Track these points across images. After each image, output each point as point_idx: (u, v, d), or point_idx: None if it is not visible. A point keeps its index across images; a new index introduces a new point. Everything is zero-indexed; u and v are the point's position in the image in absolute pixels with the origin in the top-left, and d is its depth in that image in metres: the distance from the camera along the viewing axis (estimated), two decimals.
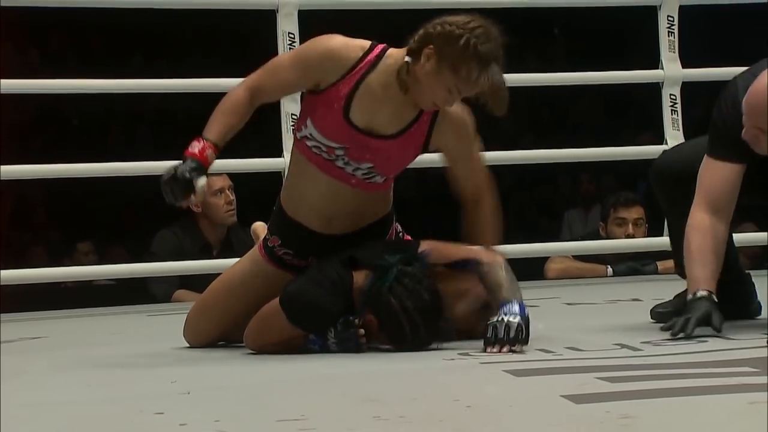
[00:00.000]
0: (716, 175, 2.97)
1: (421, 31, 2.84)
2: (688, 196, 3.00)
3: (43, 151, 5.86)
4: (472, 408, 2.13)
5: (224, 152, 4.39)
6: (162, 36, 8.13)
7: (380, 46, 2.91)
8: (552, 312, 3.79)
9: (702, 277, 2.91)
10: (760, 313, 3.24)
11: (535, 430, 1.93)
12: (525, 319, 2.75)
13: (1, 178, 4.84)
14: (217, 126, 2.86)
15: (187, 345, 3.12)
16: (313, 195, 2.93)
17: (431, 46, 2.80)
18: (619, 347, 2.77)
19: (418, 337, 2.78)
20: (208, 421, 2.08)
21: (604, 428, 1.88)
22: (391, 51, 2.90)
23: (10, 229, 7.50)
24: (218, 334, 3.07)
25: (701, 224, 2.96)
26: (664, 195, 3.22)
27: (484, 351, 2.74)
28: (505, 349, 2.71)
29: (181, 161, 2.83)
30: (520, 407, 2.13)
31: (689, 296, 2.92)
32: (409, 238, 3.08)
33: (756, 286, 3.28)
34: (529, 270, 5.03)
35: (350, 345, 2.81)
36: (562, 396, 2.13)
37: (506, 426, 1.97)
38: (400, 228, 3.09)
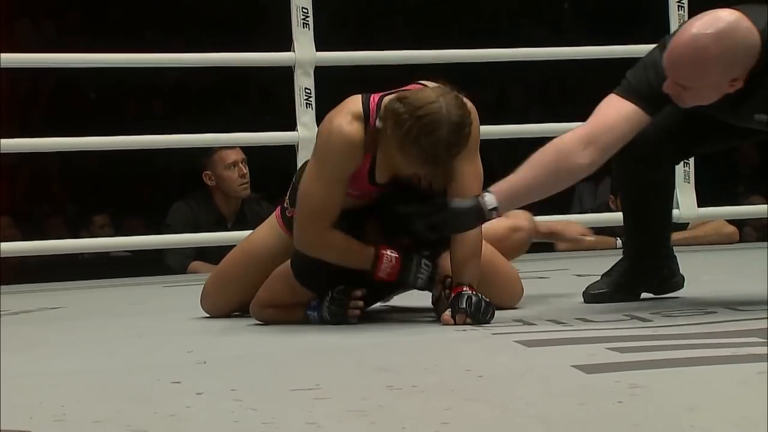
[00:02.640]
0: (615, 111, 2.76)
1: (386, 101, 2.74)
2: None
3: (60, 125, 5.85)
4: (483, 378, 2.14)
5: (237, 126, 4.38)
6: (178, 11, 8.12)
7: (373, 102, 2.78)
8: (562, 283, 3.79)
9: (504, 183, 2.75)
10: (682, 287, 3.15)
11: (546, 399, 1.93)
12: (487, 302, 2.76)
13: (19, 151, 4.85)
14: (359, 249, 2.79)
15: (205, 315, 3.13)
16: None
17: (387, 122, 2.70)
18: (628, 318, 2.77)
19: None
20: (225, 390, 2.08)
21: (614, 398, 1.88)
22: (388, 99, 2.77)
23: (29, 202, 7.52)
24: (237, 302, 3.07)
25: (561, 146, 2.77)
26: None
27: (439, 319, 2.77)
28: (468, 321, 2.72)
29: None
30: (531, 377, 2.13)
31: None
32: None
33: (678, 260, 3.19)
34: (539, 242, 5.03)
35: (341, 314, 2.81)
36: (572, 366, 2.13)
37: (518, 395, 1.97)
38: None
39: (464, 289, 2.76)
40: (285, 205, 3.07)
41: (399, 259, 2.79)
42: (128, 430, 1.81)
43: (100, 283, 4.42)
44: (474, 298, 2.74)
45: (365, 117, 2.76)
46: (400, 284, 2.86)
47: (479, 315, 2.73)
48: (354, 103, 2.79)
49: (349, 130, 2.74)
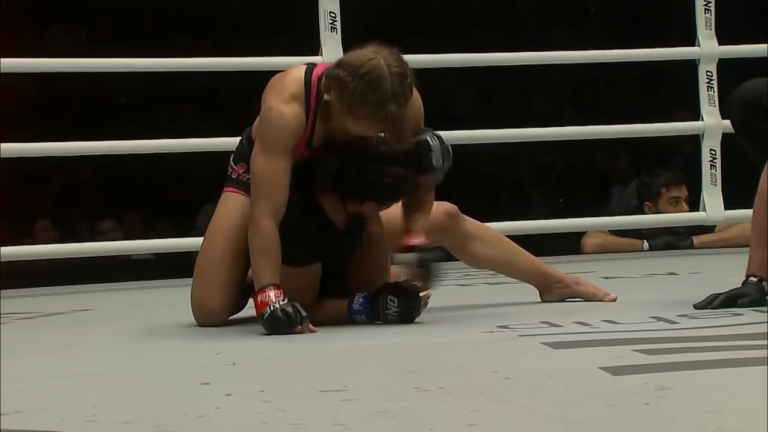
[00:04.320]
0: None
1: (326, 71, 2.80)
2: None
3: (91, 129, 5.89)
4: (511, 379, 2.13)
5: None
6: (207, 16, 8.14)
7: (316, 73, 2.85)
8: None
9: (756, 260, 2.82)
10: None
11: (573, 401, 1.92)
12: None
13: (51, 155, 4.88)
14: (270, 268, 2.79)
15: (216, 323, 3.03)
16: None
17: (332, 90, 2.77)
18: (655, 320, 2.76)
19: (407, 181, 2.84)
20: (253, 391, 2.09)
21: (641, 400, 1.87)
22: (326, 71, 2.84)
23: (60, 206, 7.55)
24: (237, 288, 3.01)
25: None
26: (744, 132, 2.97)
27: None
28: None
29: (269, 310, 2.77)
30: (558, 379, 2.12)
31: (743, 278, 2.89)
32: None
33: None
34: (566, 244, 5.03)
35: (409, 315, 2.85)
36: (599, 368, 2.12)
37: (545, 397, 1.96)
38: None
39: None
40: (228, 171, 3.06)
41: (266, 304, 2.77)
42: (158, 431, 1.81)
43: (130, 285, 4.44)
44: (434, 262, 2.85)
45: (306, 93, 2.83)
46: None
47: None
48: (294, 82, 2.85)
49: (289, 112, 2.82)
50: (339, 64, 2.80)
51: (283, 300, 2.77)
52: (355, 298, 2.89)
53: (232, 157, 3.09)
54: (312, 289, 2.91)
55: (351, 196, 2.87)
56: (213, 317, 3.01)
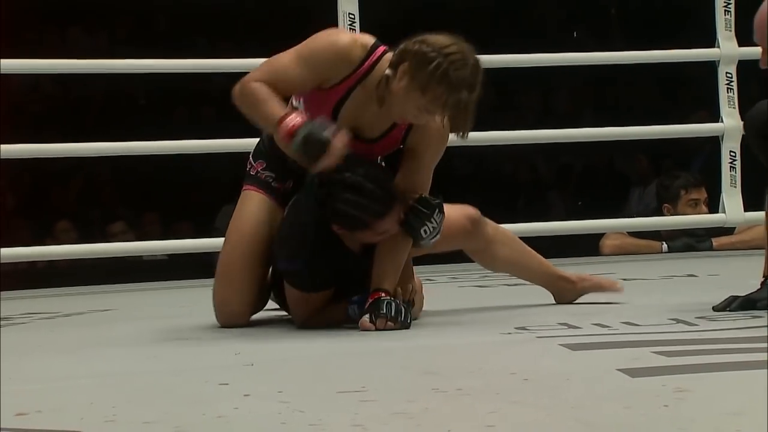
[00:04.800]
0: None
1: (401, 46, 2.79)
2: None
3: (111, 130, 5.91)
4: (529, 381, 2.13)
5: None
6: (226, 17, 8.16)
7: (381, 49, 2.85)
8: None
9: None
10: None
11: (591, 403, 1.92)
12: (406, 306, 2.80)
13: (72, 156, 4.90)
14: (275, 106, 2.77)
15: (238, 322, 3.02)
16: None
17: (406, 64, 2.75)
18: (674, 322, 2.75)
19: (373, 206, 2.77)
20: (272, 392, 2.09)
21: (659, 401, 1.86)
22: (387, 56, 2.83)
23: (81, 207, 7.58)
24: (259, 288, 2.99)
25: None
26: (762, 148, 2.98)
27: (360, 326, 2.78)
28: (389, 325, 2.76)
29: (295, 128, 2.72)
30: (576, 380, 2.12)
31: (762, 278, 2.88)
32: None
33: None
34: (585, 246, 5.02)
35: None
36: (618, 369, 2.12)
37: (563, 399, 1.96)
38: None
39: (382, 295, 2.79)
40: (248, 168, 3.04)
41: (300, 124, 2.73)
42: (177, 431, 1.82)
43: (149, 286, 4.45)
44: (393, 304, 2.77)
45: (364, 57, 2.81)
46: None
47: (400, 318, 2.77)
48: (364, 39, 2.84)
49: (345, 47, 2.80)
50: (419, 41, 2.75)
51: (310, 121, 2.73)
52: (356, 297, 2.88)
53: (251, 153, 3.07)
54: (317, 307, 2.91)
55: (336, 222, 2.80)
56: (236, 318, 3.00)
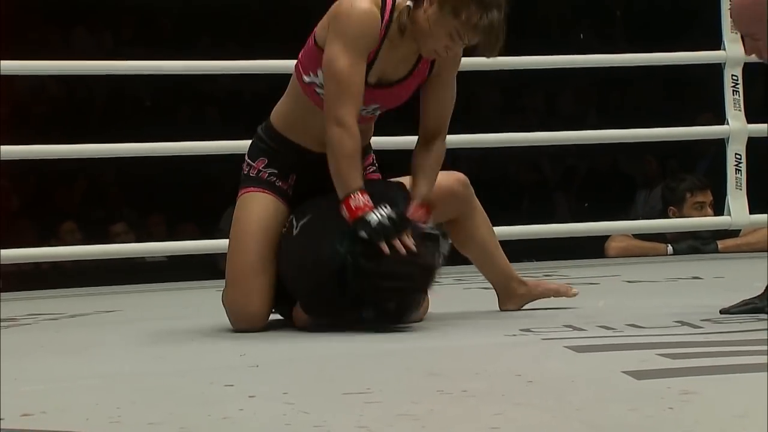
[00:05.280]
0: None
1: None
2: None
3: (115, 131, 5.91)
4: (534, 383, 2.13)
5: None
6: (230, 19, 8.17)
7: (390, 1, 2.85)
8: (613, 289, 3.77)
9: None
10: None
11: (596, 405, 1.92)
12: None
13: (77, 157, 4.90)
14: (358, 172, 2.78)
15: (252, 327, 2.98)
16: (311, 123, 2.91)
17: None
18: (679, 324, 2.75)
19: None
20: (277, 393, 2.09)
21: (665, 404, 1.86)
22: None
23: (86, 208, 7.59)
24: (273, 291, 2.95)
25: None
26: None
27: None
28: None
29: (362, 221, 2.73)
30: (581, 382, 2.12)
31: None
32: (378, 175, 3.06)
33: None
34: (590, 248, 5.02)
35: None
36: (623, 372, 2.12)
37: (568, 401, 1.96)
38: (374, 158, 3.08)
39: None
40: (246, 168, 3.01)
41: (362, 209, 2.73)
42: None
43: (154, 287, 4.45)
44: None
45: (382, 5, 2.81)
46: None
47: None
48: None
49: (369, 9, 2.79)
50: None
51: (379, 206, 2.73)
52: None
53: (246, 155, 3.02)
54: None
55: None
56: (254, 323, 2.93)
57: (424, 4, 2.79)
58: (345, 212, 2.75)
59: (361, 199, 2.74)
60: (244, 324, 2.94)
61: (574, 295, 3.12)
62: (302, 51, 2.96)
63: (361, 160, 2.86)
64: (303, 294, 2.89)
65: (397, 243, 2.72)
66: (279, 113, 3.00)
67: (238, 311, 2.95)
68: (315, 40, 2.89)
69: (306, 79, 2.91)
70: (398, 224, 2.72)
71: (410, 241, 2.72)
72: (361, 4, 2.81)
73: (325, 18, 2.88)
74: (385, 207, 2.73)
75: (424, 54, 2.84)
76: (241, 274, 2.93)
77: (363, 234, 2.72)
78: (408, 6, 2.81)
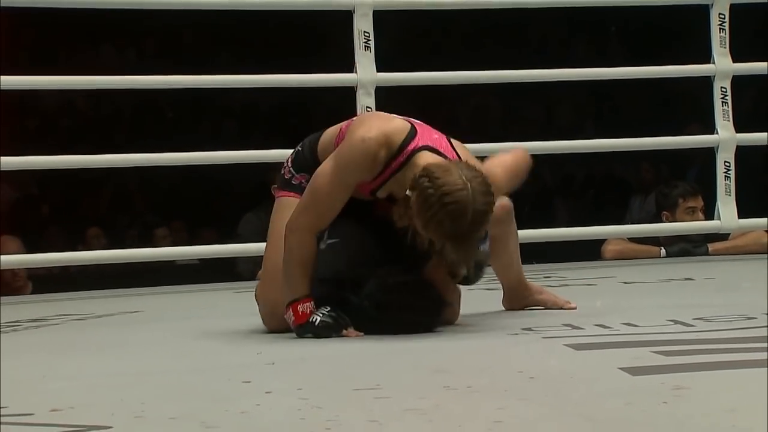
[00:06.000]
0: None
1: (414, 173, 2.66)
2: None
3: (140, 142, 5.93)
4: (535, 379, 2.12)
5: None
6: (248, 35, 8.18)
7: (413, 143, 2.75)
8: (609, 290, 3.76)
9: None
10: None
11: (594, 400, 1.91)
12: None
13: (103, 166, 4.91)
14: (307, 280, 2.77)
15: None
16: None
17: (414, 196, 2.64)
18: (672, 323, 2.74)
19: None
20: (292, 389, 2.09)
21: (659, 399, 1.86)
22: (420, 156, 2.73)
23: (110, 214, 7.60)
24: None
25: None
26: None
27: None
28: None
29: (318, 317, 2.75)
30: (580, 378, 2.11)
31: None
32: None
33: None
34: (587, 251, 5.01)
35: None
36: (619, 368, 2.11)
37: (567, 396, 1.95)
38: None
39: None
40: (289, 177, 2.97)
41: (307, 315, 2.75)
42: (202, 427, 1.82)
43: (175, 289, 4.45)
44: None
45: (396, 153, 2.74)
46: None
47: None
48: (395, 134, 2.75)
49: (377, 153, 2.72)
50: (428, 174, 2.62)
51: (321, 308, 2.76)
52: None
53: (290, 162, 2.99)
54: None
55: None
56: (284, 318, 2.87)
57: (411, 197, 2.65)
58: (291, 316, 2.77)
59: (307, 306, 2.76)
60: (275, 318, 2.89)
61: (572, 309, 3.11)
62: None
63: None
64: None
65: (344, 334, 2.74)
66: (324, 144, 2.95)
67: (270, 305, 2.91)
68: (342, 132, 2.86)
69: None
70: (340, 321, 2.75)
71: (354, 332, 2.74)
72: (375, 145, 2.73)
73: (349, 126, 2.84)
74: (326, 308, 2.75)
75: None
76: (274, 269, 2.88)
77: (309, 336, 2.75)
78: (406, 195, 2.66)
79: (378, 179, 2.78)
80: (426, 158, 2.73)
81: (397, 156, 2.75)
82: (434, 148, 2.77)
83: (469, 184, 2.60)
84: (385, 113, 2.91)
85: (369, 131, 2.76)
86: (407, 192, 2.67)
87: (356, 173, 2.76)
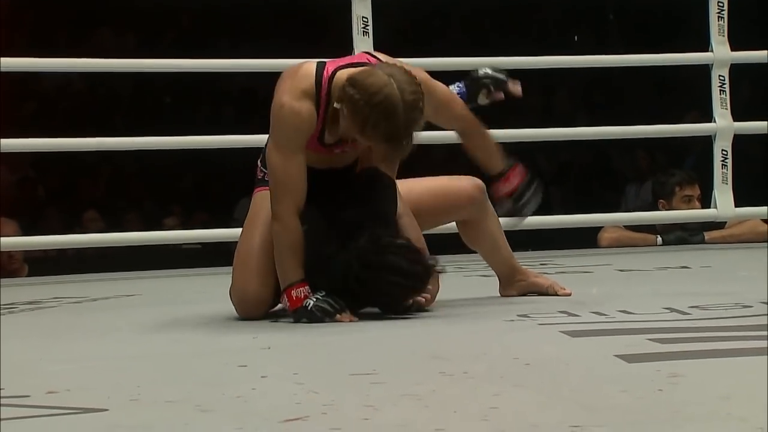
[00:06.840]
0: None
1: (340, 85, 2.69)
2: None
3: (138, 126, 5.91)
4: (531, 365, 2.12)
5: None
6: (246, 20, 8.16)
7: (327, 70, 2.77)
8: (605, 278, 3.77)
9: None
10: None
11: (590, 386, 1.91)
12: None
13: (101, 149, 4.90)
14: (298, 265, 2.77)
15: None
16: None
17: (343, 105, 2.68)
18: (668, 311, 2.74)
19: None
20: (287, 374, 2.09)
21: (654, 386, 1.86)
22: (340, 75, 2.74)
23: (108, 198, 7.59)
24: (276, 279, 2.89)
25: None
26: None
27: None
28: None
29: (312, 302, 2.75)
30: (576, 365, 2.12)
31: None
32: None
33: None
34: (584, 239, 5.01)
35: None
36: (615, 355, 2.11)
37: (563, 383, 1.95)
38: None
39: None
40: (260, 174, 2.99)
41: (301, 300, 2.75)
42: (198, 410, 1.81)
43: (172, 273, 4.45)
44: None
45: (317, 91, 2.76)
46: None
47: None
48: (305, 78, 2.77)
49: (299, 108, 2.75)
50: (352, 83, 2.66)
51: (317, 293, 2.76)
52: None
53: (260, 162, 3.01)
54: None
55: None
56: (255, 305, 2.90)
57: (340, 112, 2.70)
58: (286, 301, 2.78)
59: (301, 291, 2.76)
60: (245, 306, 2.91)
61: (567, 295, 3.11)
62: None
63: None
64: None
65: (338, 318, 2.74)
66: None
67: (242, 294, 2.92)
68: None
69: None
70: (335, 306, 2.75)
71: (347, 317, 2.74)
72: (292, 103, 2.75)
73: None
74: (320, 293, 2.75)
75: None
76: (245, 258, 2.93)
77: (304, 320, 2.75)
78: (335, 108, 2.71)
79: (318, 124, 2.78)
80: (346, 74, 2.74)
81: (319, 92, 2.77)
82: (349, 64, 2.79)
83: (391, 79, 2.64)
84: (293, 67, 2.87)
85: (282, 95, 2.78)
86: (335, 104, 2.70)
87: (295, 136, 2.76)
